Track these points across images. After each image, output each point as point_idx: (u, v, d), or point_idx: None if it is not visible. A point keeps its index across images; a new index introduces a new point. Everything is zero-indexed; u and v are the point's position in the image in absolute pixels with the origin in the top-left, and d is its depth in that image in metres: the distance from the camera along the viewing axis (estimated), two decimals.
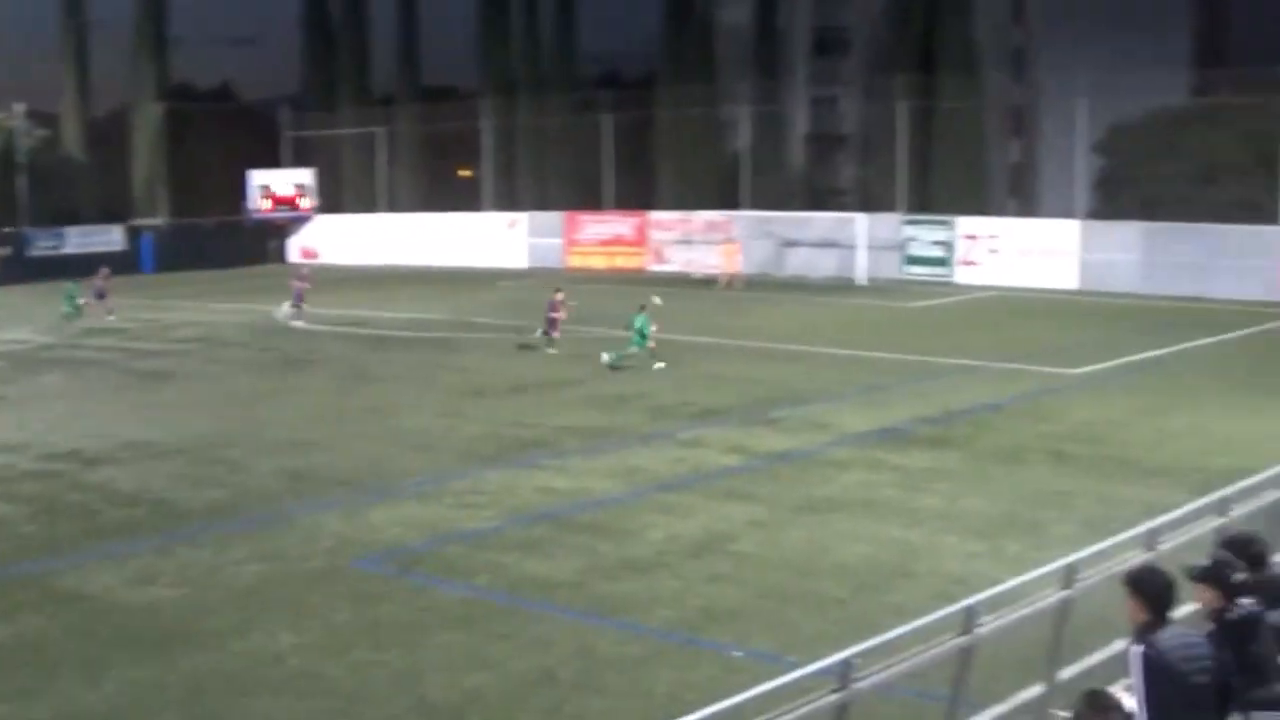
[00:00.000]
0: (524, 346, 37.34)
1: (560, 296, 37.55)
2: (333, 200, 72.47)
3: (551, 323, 36.95)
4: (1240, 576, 9.40)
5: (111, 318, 45.53)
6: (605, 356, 34.09)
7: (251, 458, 25.04)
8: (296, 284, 46.01)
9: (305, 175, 70.88)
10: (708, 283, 54.90)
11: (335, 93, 74.62)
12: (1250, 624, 9.23)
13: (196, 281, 58.99)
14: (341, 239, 69.39)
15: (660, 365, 33.63)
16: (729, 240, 56.72)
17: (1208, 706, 8.70)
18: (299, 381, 33.92)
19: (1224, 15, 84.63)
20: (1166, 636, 8.66)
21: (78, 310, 44.71)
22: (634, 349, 33.99)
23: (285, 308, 45.63)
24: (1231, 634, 9.12)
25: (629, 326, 34.53)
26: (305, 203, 70.24)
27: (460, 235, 67.22)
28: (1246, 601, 9.30)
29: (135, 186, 73.25)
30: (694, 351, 36.76)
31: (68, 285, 45.67)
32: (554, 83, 71.02)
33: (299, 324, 44.25)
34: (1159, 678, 8.54)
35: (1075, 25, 67.34)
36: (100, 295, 46.37)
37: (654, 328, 34.33)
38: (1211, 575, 9.52)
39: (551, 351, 36.39)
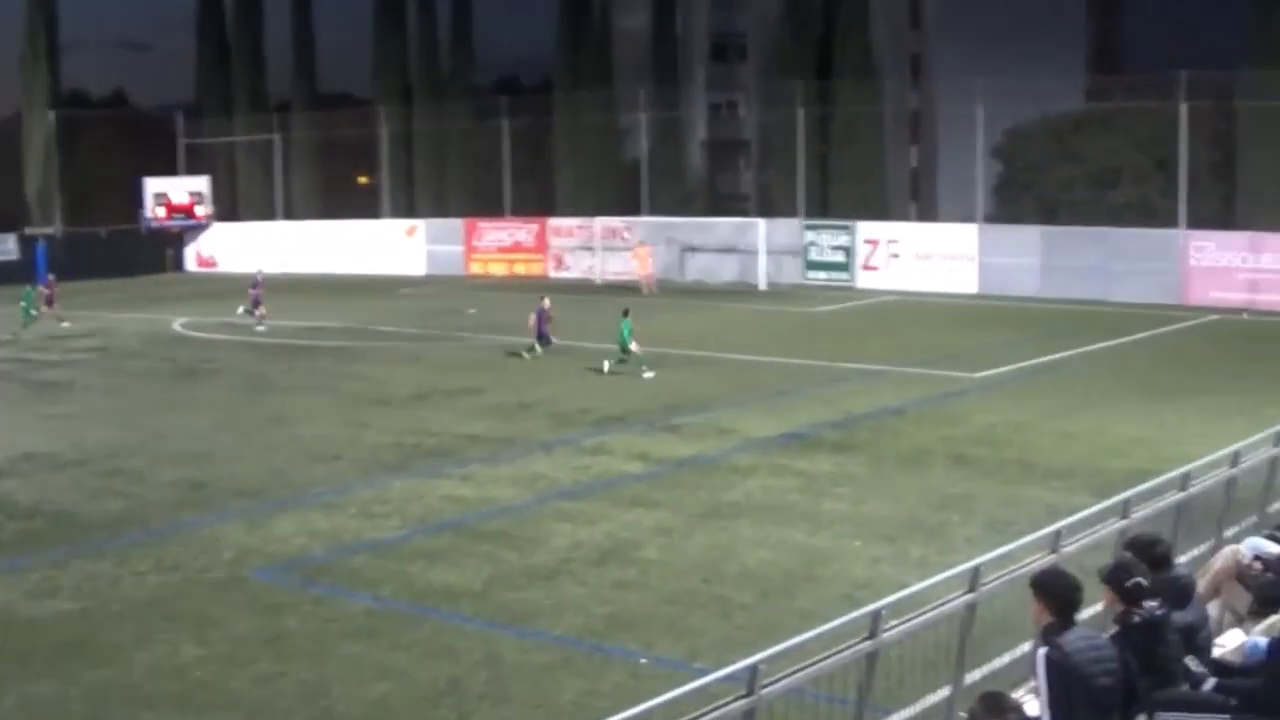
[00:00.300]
0: (514, 354, 36.75)
1: (548, 304, 37.06)
2: (229, 208, 71.78)
3: (541, 332, 36.36)
4: (1135, 581, 9.51)
5: (65, 324, 45.74)
6: (607, 364, 33.99)
7: (152, 468, 24.73)
8: (252, 291, 46.00)
9: (201, 183, 70.06)
10: (634, 288, 54.84)
11: (230, 99, 73.76)
12: (1154, 627, 9.34)
13: (92, 291, 57.98)
14: (239, 247, 68.57)
15: (627, 370, 33.71)
16: (641, 244, 56.56)
17: (1112, 708, 8.80)
18: (199, 391, 33.53)
19: (1116, 21, 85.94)
20: (1072, 638, 8.77)
21: (32, 318, 44.88)
22: (634, 354, 33.88)
23: (239, 311, 45.84)
24: (1135, 637, 9.23)
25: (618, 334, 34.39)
26: (201, 210, 69.44)
27: (358, 243, 66.70)
28: (1150, 604, 9.40)
29: (29, 194, 72.19)
30: (595, 358, 36.67)
31: (26, 290, 45.84)
32: (451, 89, 70.60)
33: (260, 328, 44.22)
34: (1064, 680, 8.63)
35: (972, 31, 67.98)
36: (49, 302, 46.53)
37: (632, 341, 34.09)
38: (1109, 579, 9.64)
39: (531, 357, 35.96)
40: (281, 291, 56.03)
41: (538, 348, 36.37)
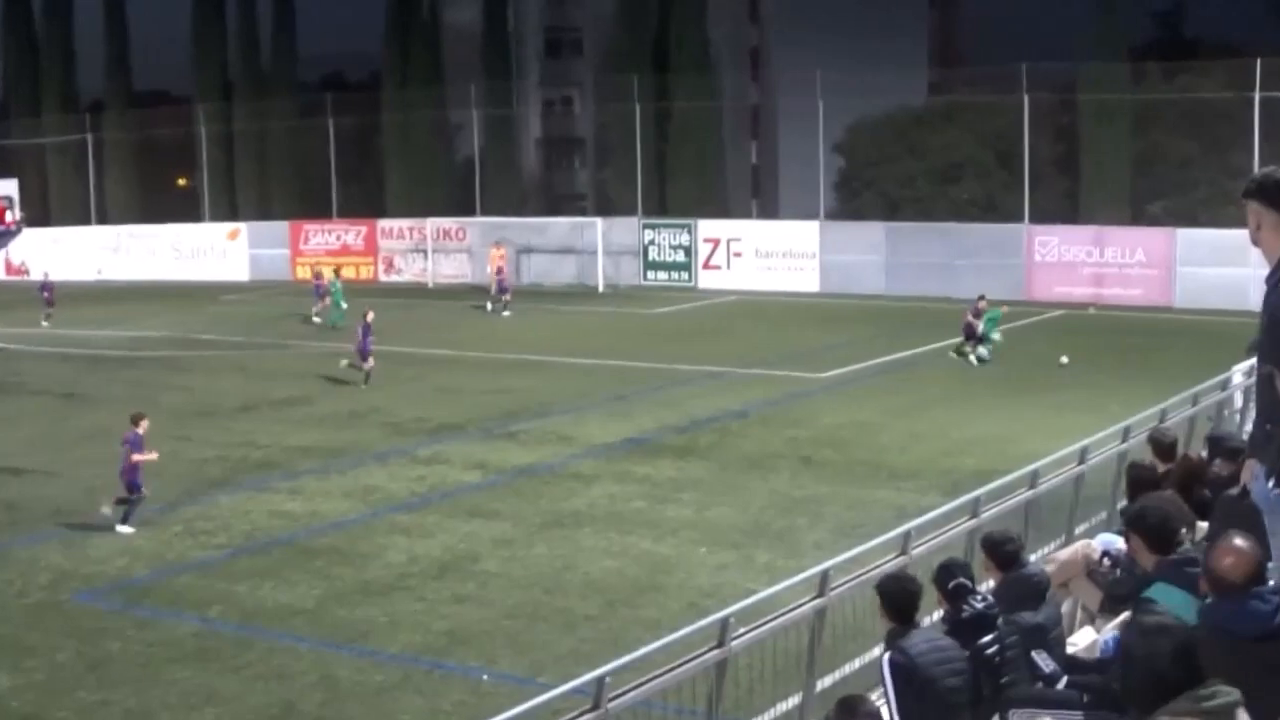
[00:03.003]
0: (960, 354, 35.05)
1: (984, 304, 35.42)
2: (40, 212, 69.60)
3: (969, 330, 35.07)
4: (958, 582, 9.55)
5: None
6: (981, 352, 34.39)
7: None
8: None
9: (9, 186, 67.66)
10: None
11: (40, 99, 71.66)
12: (979, 623, 9.30)
13: None
14: (51, 253, 66.27)
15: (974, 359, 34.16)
16: (497, 245, 55.56)
17: (961, 708, 8.81)
18: (10, 406, 32.22)
19: (957, 13, 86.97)
20: (915, 641, 8.81)
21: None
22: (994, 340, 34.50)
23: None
24: (965, 634, 9.22)
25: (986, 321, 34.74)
26: (10, 215, 67.10)
27: (178, 247, 64.82)
28: (978, 601, 9.40)
29: None
30: (428, 364, 36.17)
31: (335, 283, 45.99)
32: (274, 86, 68.99)
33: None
34: (909, 683, 8.66)
35: (811, 25, 68.15)
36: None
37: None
38: (934, 581, 9.74)
39: (976, 356, 34.62)
40: (97, 299, 54.60)
41: (978, 348, 34.86)
